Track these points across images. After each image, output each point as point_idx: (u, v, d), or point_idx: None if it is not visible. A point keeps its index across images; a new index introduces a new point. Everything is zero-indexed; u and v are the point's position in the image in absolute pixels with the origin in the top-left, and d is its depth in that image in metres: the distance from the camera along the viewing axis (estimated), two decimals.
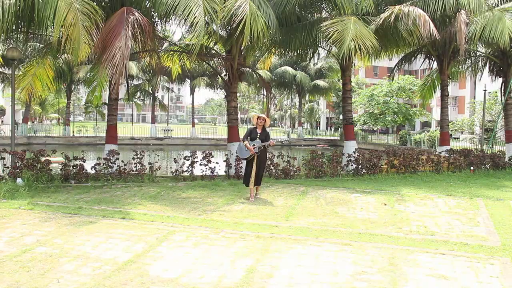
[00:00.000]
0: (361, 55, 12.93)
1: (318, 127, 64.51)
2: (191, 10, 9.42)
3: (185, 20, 9.69)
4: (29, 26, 10.36)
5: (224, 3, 10.33)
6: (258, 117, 8.79)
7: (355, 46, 11.12)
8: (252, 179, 8.67)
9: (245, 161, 9.02)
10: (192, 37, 12.63)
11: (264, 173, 9.32)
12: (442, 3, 12.53)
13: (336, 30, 11.29)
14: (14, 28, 10.14)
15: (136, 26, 9.56)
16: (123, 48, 8.92)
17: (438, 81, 17.38)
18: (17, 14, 8.98)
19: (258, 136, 8.65)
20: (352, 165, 12.58)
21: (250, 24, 10.05)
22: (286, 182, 11.10)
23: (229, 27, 12.27)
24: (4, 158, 10.47)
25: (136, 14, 9.62)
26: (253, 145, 8.60)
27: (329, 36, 11.61)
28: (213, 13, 9.80)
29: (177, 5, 9.68)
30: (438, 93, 17.64)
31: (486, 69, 17.73)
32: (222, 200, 8.69)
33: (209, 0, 9.77)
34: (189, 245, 5.67)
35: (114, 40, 9.03)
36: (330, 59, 37.75)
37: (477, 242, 6.02)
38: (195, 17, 9.31)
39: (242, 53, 13.11)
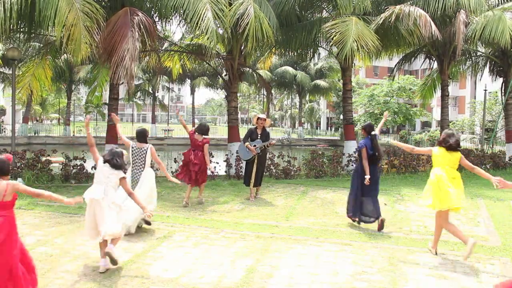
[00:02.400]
0: (361, 56, 12.91)
1: (318, 127, 64.39)
2: (200, 15, 9.41)
3: (197, 25, 9.65)
4: (30, 26, 10.35)
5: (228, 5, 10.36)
6: (258, 118, 8.76)
7: (357, 47, 11.11)
8: (252, 180, 8.67)
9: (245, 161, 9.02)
10: (193, 36, 12.57)
11: (264, 173, 9.31)
12: (443, 2, 12.51)
13: (338, 32, 11.27)
14: (15, 28, 10.14)
15: (141, 27, 9.56)
16: (132, 50, 8.92)
17: (438, 81, 17.34)
18: (18, 13, 8.97)
19: (258, 137, 8.66)
20: (352, 165, 12.56)
21: (255, 27, 10.10)
22: (286, 182, 11.10)
23: (230, 28, 12.27)
24: None
25: (140, 14, 9.60)
26: (254, 145, 8.60)
27: (331, 37, 11.60)
28: (222, 15, 9.84)
29: (184, 9, 9.69)
30: (438, 93, 17.60)
31: (487, 69, 17.70)
32: (222, 200, 8.70)
33: (216, 2, 9.78)
34: (189, 245, 5.68)
35: (121, 43, 8.99)
36: (330, 59, 37.72)
37: (477, 242, 6.01)
38: (204, 21, 9.31)
39: (243, 53, 13.11)
